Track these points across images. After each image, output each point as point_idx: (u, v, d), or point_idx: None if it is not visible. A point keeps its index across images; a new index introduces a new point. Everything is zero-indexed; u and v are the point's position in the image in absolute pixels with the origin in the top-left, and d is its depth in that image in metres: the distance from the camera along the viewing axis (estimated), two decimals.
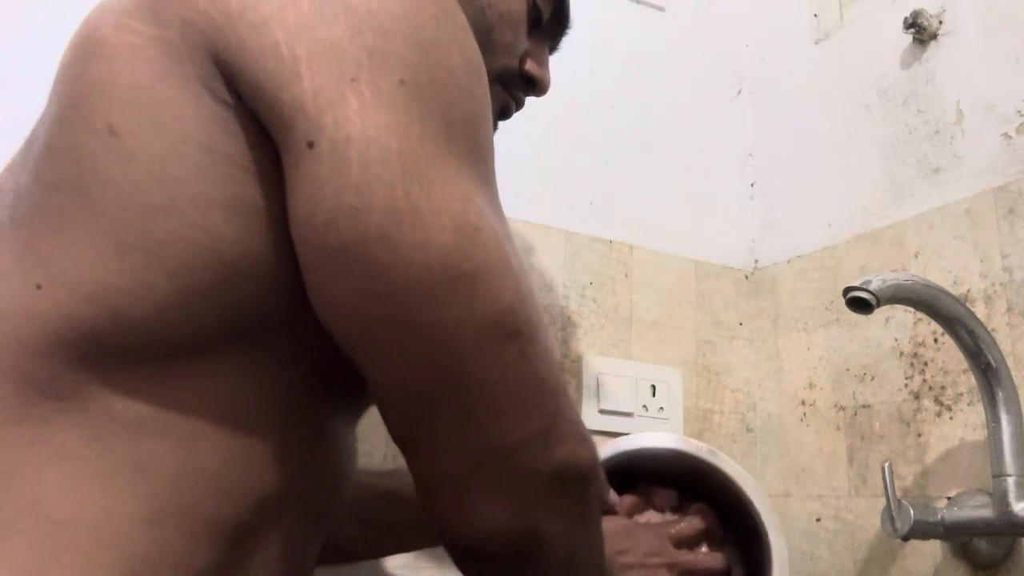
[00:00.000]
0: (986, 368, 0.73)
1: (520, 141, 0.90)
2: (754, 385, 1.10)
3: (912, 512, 0.74)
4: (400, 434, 0.43)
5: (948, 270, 0.87)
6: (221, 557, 0.43)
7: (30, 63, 0.66)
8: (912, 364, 0.90)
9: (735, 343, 1.10)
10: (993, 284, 0.83)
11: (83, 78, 0.44)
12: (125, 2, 0.45)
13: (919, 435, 0.87)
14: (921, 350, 0.89)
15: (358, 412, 0.54)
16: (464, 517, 0.42)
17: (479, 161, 0.43)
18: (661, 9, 1.18)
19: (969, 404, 0.83)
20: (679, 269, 1.09)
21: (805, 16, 1.13)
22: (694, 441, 0.78)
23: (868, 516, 0.91)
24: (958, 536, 0.78)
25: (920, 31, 0.93)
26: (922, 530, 0.75)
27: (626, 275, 1.05)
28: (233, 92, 0.42)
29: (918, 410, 0.88)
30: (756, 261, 1.14)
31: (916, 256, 0.91)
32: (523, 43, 0.66)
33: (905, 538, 0.76)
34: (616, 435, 0.84)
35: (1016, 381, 0.74)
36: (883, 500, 0.76)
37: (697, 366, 1.07)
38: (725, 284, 1.12)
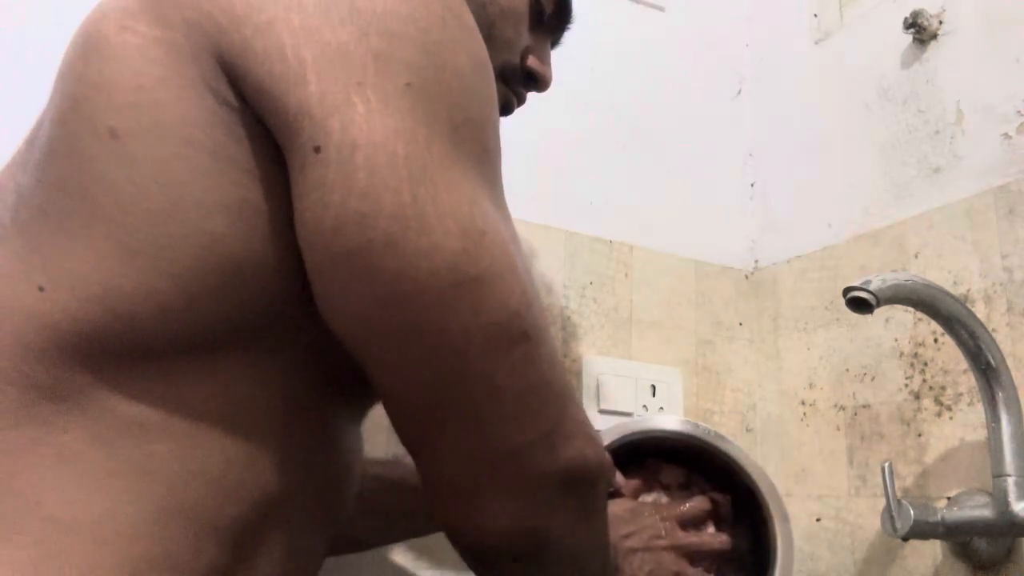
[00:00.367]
0: (986, 368, 0.73)
1: (520, 141, 0.90)
2: (754, 385, 1.10)
3: (912, 512, 0.74)
4: (407, 437, 0.43)
5: (948, 270, 0.87)
6: (225, 558, 0.42)
7: (31, 61, 0.66)
8: (912, 364, 0.90)
9: (735, 343, 1.10)
10: (993, 284, 0.83)
11: (84, 78, 0.43)
12: (128, 2, 0.44)
13: (919, 435, 0.87)
14: (921, 350, 0.89)
15: (363, 411, 0.54)
16: (472, 518, 0.42)
17: (486, 162, 0.43)
18: (661, 9, 1.18)
19: (969, 404, 0.83)
20: (679, 269, 1.09)
21: (805, 16, 1.13)
22: (702, 424, 0.78)
23: (868, 516, 0.91)
24: (958, 536, 0.78)
25: (920, 31, 0.93)
26: (922, 530, 0.75)
27: (626, 275, 1.05)
28: (237, 94, 0.42)
29: (918, 410, 0.88)
30: (756, 261, 1.14)
31: (916, 256, 0.91)
32: (525, 38, 0.66)
33: (905, 538, 0.76)
34: None
35: (1016, 381, 0.74)
36: (883, 500, 0.76)
37: (697, 366, 1.07)
38: (725, 284, 1.12)
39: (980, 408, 0.76)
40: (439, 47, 0.42)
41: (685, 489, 0.78)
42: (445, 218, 0.39)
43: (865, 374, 0.95)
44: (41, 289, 0.41)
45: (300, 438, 0.47)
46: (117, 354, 0.41)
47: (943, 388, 0.86)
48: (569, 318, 1.00)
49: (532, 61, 0.67)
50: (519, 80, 0.67)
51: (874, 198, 0.98)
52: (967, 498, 0.80)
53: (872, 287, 0.69)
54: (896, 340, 0.92)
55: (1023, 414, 0.73)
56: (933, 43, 0.94)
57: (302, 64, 0.40)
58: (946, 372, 0.86)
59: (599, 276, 1.03)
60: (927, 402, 0.87)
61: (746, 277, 1.14)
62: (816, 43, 1.11)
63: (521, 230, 1.02)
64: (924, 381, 0.88)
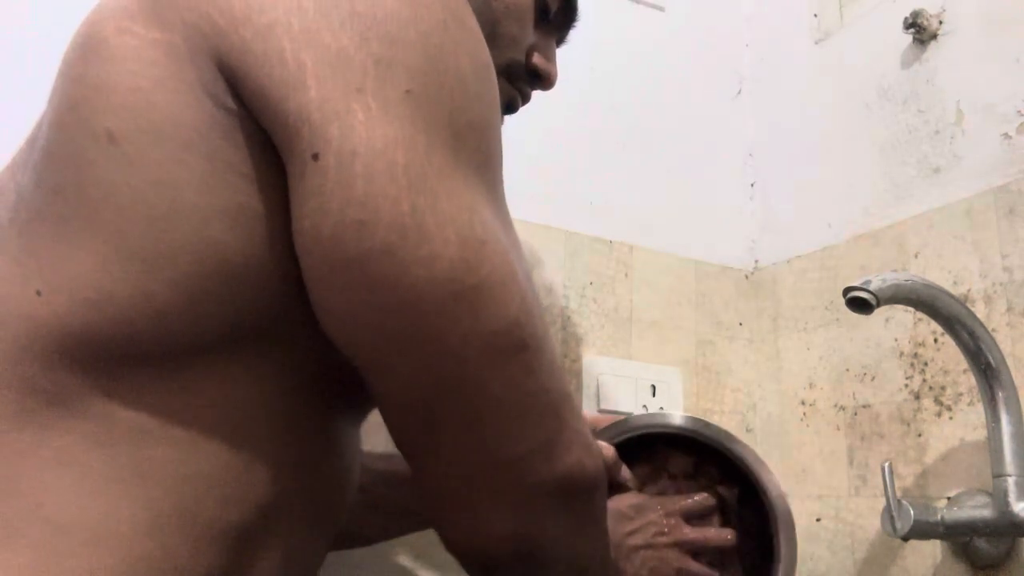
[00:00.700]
0: (986, 368, 0.73)
1: (520, 141, 0.90)
2: (754, 385, 1.10)
3: (912, 512, 0.74)
4: (405, 444, 0.43)
5: (948, 270, 0.87)
6: (224, 561, 0.42)
7: (30, 62, 0.66)
8: (912, 364, 0.90)
9: (735, 343, 1.10)
10: (993, 284, 0.83)
11: (83, 79, 0.43)
12: (127, 3, 0.44)
13: (919, 435, 0.87)
14: (921, 350, 0.89)
15: (362, 414, 0.54)
16: (468, 525, 0.42)
17: (487, 168, 0.43)
18: (661, 9, 1.18)
19: (969, 404, 0.83)
20: (679, 269, 1.09)
21: (805, 16, 1.13)
22: (713, 424, 0.77)
23: (868, 516, 0.91)
24: (958, 536, 0.78)
25: (920, 31, 0.93)
26: (922, 530, 0.75)
27: (626, 275, 1.05)
28: (236, 98, 0.41)
29: (918, 410, 0.88)
30: (756, 261, 1.14)
31: (916, 256, 0.91)
32: (530, 36, 0.66)
33: (905, 538, 0.76)
34: None
35: (1016, 381, 0.74)
36: (883, 500, 0.76)
37: (697, 366, 1.07)
38: (725, 284, 1.12)
39: (980, 408, 0.76)
40: (440, 51, 0.42)
41: (692, 479, 0.78)
42: (444, 227, 0.39)
43: (865, 374, 0.95)
44: (39, 293, 0.41)
45: (299, 441, 0.46)
46: (115, 358, 0.41)
47: (943, 388, 0.86)
48: (569, 318, 1.00)
49: (537, 59, 0.67)
50: (524, 78, 0.67)
51: (874, 198, 0.98)
52: (967, 498, 0.80)
53: (872, 287, 0.69)
54: (896, 340, 0.92)
55: (1023, 414, 0.73)
56: (933, 43, 0.94)
57: (302, 68, 0.40)
58: (946, 372, 0.86)
59: (599, 276, 1.03)
60: (927, 402, 0.87)
61: (746, 277, 1.14)
62: (816, 43, 1.11)
63: (521, 230, 1.02)
64: (924, 381, 0.88)
